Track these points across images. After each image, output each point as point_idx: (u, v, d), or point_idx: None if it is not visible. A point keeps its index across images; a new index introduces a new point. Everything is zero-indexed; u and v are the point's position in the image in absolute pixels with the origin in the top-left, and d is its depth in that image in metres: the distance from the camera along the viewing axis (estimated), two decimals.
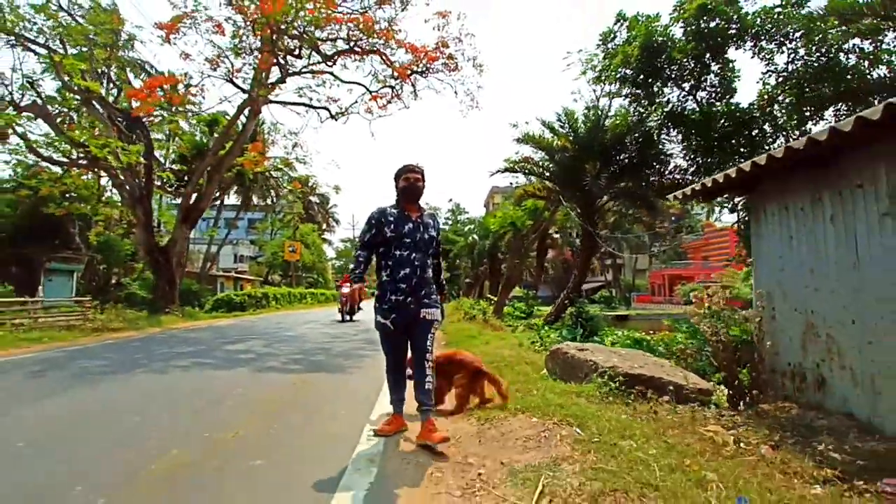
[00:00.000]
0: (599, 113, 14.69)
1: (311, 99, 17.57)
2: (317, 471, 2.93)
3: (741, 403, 4.19)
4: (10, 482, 2.75)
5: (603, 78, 14.63)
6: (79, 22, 15.88)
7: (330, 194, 53.25)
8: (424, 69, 15.45)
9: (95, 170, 19.33)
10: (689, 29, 12.27)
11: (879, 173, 3.11)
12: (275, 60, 15.26)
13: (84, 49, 15.93)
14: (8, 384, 5.59)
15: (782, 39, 12.07)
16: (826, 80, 11.43)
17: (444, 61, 15.41)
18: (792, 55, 12.18)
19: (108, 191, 29.10)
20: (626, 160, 13.71)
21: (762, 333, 4.21)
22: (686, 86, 13.41)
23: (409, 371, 3.73)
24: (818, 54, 11.78)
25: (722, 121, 13.03)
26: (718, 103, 13.32)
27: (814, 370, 3.69)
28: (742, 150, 12.85)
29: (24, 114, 16.43)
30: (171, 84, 16.53)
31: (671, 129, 13.74)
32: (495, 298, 22.69)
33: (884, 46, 11.59)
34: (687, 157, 14.63)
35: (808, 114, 12.68)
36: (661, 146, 13.81)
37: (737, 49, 12.77)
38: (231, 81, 16.03)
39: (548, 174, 15.47)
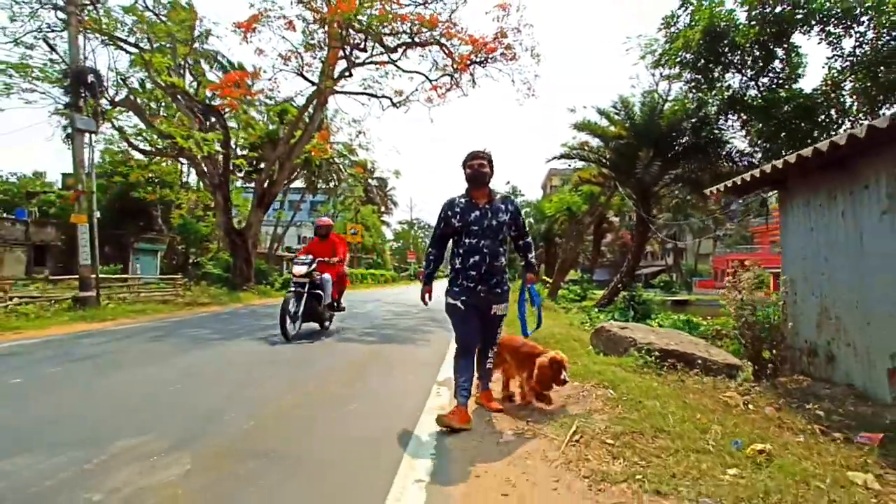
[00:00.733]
0: (656, 99, 14.79)
1: (373, 88, 18.55)
2: (397, 414, 3.75)
3: (764, 377, 4.71)
4: (183, 409, 3.74)
5: (663, 62, 14.69)
6: (163, 21, 17.34)
7: (389, 178, 54.61)
8: (483, 59, 15.98)
9: (180, 158, 21.07)
10: (753, 14, 12.17)
11: (881, 176, 3.57)
12: (342, 54, 16.24)
13: (167, 45, 17.44)
14: (141, 346, 6.80)
15: (850, 23, 11.79)
16: (891, 65, 11.15)
17: (502, 51, 15.89)
18: (860, 39, 11.88)
19: (186, 176, 31.62)
20: (682, 146, 13.81)
21: (785, 315, 4.70)
22: (748, 72, 13.31)
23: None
24: (888, 38, 11.46)
25: (785, 106, 12.89)
26: (782, 89, 13.15)
27: (825, 347, 4.19)
28: (810, 135, 12.66)
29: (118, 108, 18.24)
30: (245, 78, 17.89)
31: (730, 115, 13.70)
32: (550, 281, 23.20)
33: None
34: (752, 143, 14.55)
35: (880, 98, 12.35)
36: (718, 132, 13.81)
37: (803, 34, 12.53)
38: (301, 75, 17.18)
39: (604, 160, 15.75)
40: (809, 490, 2.37)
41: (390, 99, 18.79)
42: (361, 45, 16.70)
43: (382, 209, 59.27)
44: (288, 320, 6.97)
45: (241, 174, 26.42)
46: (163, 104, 20.04)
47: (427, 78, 17.54)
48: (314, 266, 7.41)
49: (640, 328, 6.17)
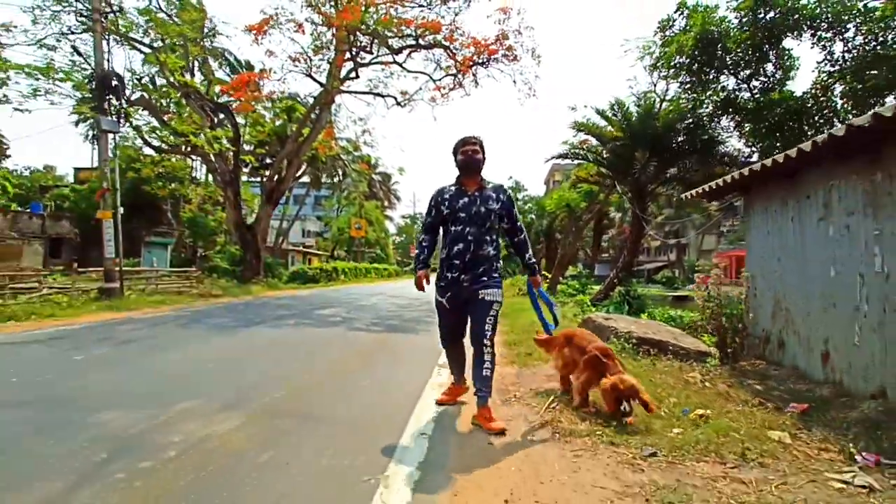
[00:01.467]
0: (652, 100, 15.34)
1: (378, 88, 19.16)
2: (404, 389, 4.39)
3: (727, 361, 5.34)
4: (223, 382, 4.39)
5: (659, 65, 15.25)
6: (175, 22, 17.90)
7: (392, 173, 55.24)
8: (485, 61, 16.56)
9: (193, 156, 21.72)
10: (744, 20, 12.70)
11: (819, 187, 4.18)
12: (348, 56, 16.85)
13: (179, 44, 18.01)
14: (173, 332, 7.47)
15: (839, 29, 12.31)
16: (879, 69, 11.68)
17: (503, 52, 16.46)
18: (849, 44, 12.41)
19: (196, 172, 32.32)
20: (677, 147, 14.36)
21: (747, 307, 5.33)
22: (741, 74, 13.84)
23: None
24: (875, 43, 11.99)
25: (777, 108, 13.41)
26: (774, 91, 13.67)
27: (777, 335, 4.81)
28: (801, 136, 13.17)
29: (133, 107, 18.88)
30: (255, 79, 18.52)
31: (723, 117, 14.25)
32: (550, 276, 23.81)
33: None
34: (747, 143, 15.11)
35: (870, 101, 12.87)
36: (711, 133, 14.35)
37: (795, 38, 13.05)
38: (310, 76, 17.80)
39: (601, 160, 16.31)
40: (730, 441, 3.01)
41: (395, 98, 19.42)
42: (367, 48, 17.29)
43: (385, 204, 59.89)
44: None
45: (247, 169, 27.10)
46: (172, 101, 20.65)
47: (431, 78, 18.15)
48: None
49: (623, 319, 6.81)
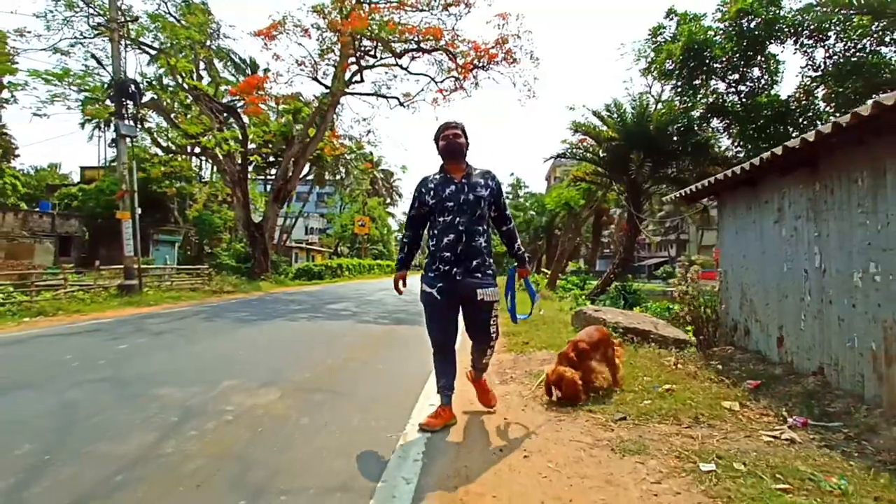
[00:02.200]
0: (646, 104, 15.92)
1: (381, 89, 19.77)
2: (414, 371, 5.01)
3: (702, 348, 5.96)
4: (255, 365, 5.01)
5: (651, 70, 15.86)
6: (184, 26, 18.44)
7: (395, 171, 55.87)
8: (485, 64, 17.15)
9: (202, 156, 22.33)
10: (729, 30, 13.27)
11: (774, 194, 4.79)
12: (352, 60, 17.45)
13: (187, 46, 18.57)
14: (197, 325, 8.10)
15: (821, 36, 12.89)
16: (858, 74, 12.26)
17: (503, 56, 17.05)
18: (830, 50, 12.99)
19: (203, 171, 32.97)
20: (670, 148, 14.93)
21: (721, 299, 5.95)
22: (729, 79, 14.41)
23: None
24: (854, 50, 12.57)
25: (764, 111, 13.99)
26: (760, 95, 14.24)
27: (744, 324, 5.43)
28: (786, 137, 13.77)
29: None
30: (263, 82, 19.14)
31: (712, 119, 14.83)
32: (550, 272, 24.46)
33: None
34: (736, 144, 15.70)
35: (853, 103, 13.45)
36: (701, 135, 14.93)
37: (779, 45, 13.63)
38: (315, 79, 18.42)
39: (597, 159, 16.90)
40: (688, 408, 3.63)
41: (398, 99, 20.01)
42: (371, 52, 17.88)
43: (388, 201, 60.47)
44: None
45: (252, 167, 27.72)
46: (181, 103, 21.22)
47: (433, 80, 18.74)
48: None
49: (612, 311, 7.44)
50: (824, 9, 12.71)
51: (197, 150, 20.48)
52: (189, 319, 8.61)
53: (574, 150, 17.65)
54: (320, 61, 17.83)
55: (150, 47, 18.91)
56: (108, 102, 16.34)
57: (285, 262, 34.66)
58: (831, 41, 12.92)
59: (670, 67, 14.35)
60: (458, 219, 3.13)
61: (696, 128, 15.02)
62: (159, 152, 24.63)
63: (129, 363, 4.99)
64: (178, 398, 3.74)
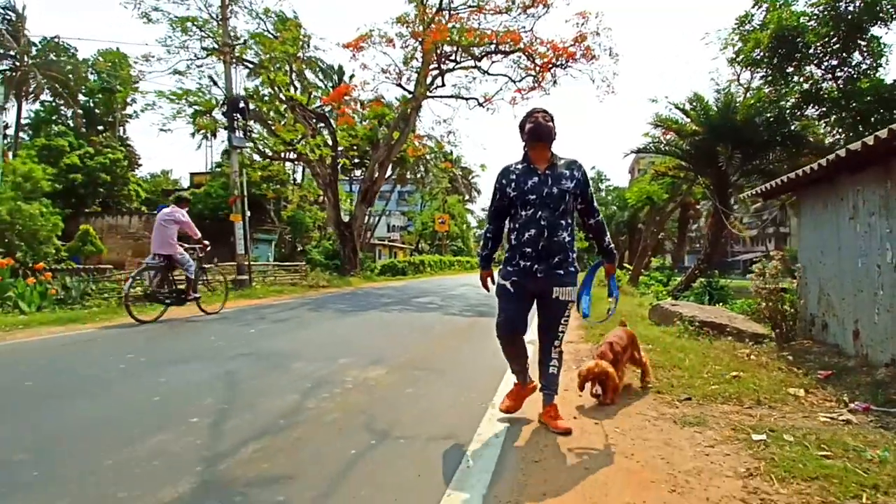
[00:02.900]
0: (731, 96, 15.46)
1: (461, 91, 20.50)
2: (497, 356, 5.57)
3: (781, 342, 6.10)
4: (362, 347, 5.82)
5: (738, 60, 15.39)
6: (279, 40, 19.99)
7: (474, 169, 56.71)
8: (563, 63, 17.36)
9: (298, 161, 24.17)
10: (824, 15, 12.66)
11: (849, 191, 4.90)
12: (434, 65, 18.28)
13: (284, 59, 20.16)
14: (307, 314, 9.17)
15: None
16: None
17: (581, 53, 17.17)
18: None
19: (296, 174, 35.43)
20: (759, 140, 14.43)
21: (799, 294, 6.06)
22: (826, 65, 13.73)
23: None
24: None
25: (866, 97, 13.21)
26: (862, 80, 13.44)
27: (821, 318, 5.54)
28: (891, 123, 12.94)
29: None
30: (352, 91, 20.48)
31: (807, 108, 14.17)
32: (632, 268, 24.12)
33: None
34: (834, 132, 14.91)
35: None
36: (794, 125, 14.30)
37: (883, 26, 12.81)
38: (400, 85, 19.44)
39: (681, 153, 16.61)
40: (752, 392, 3.96)
41: (477, 100, 20.64)
42: (452, 56, 18.63)
43: (466, 197, 61.38)
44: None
45: (338, 166, 29.54)
46: (277, 112, 23.05)
47: (511, 79, 19.18)
48: None
49: (689, 305, 7.64)
50: None
51: (292, 155, 22.17)
52: (298, 310, 9.74)
53: (656, 145, 17.44)
54: (405, 69, 18.83)
55: (250, 62, 20.75)
56: (219, 117, 18.37)
57: (370, 258, 36.56)
58: None
59: (758, 56, 13.89)
60: (540, 213, 2.99)
61: (787, 118, 14.42)
62: (258, 158, 26.91)
63: (261, 343, 5.99)
64: (307, 371, 4.59)
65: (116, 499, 2.18)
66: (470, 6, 17.94)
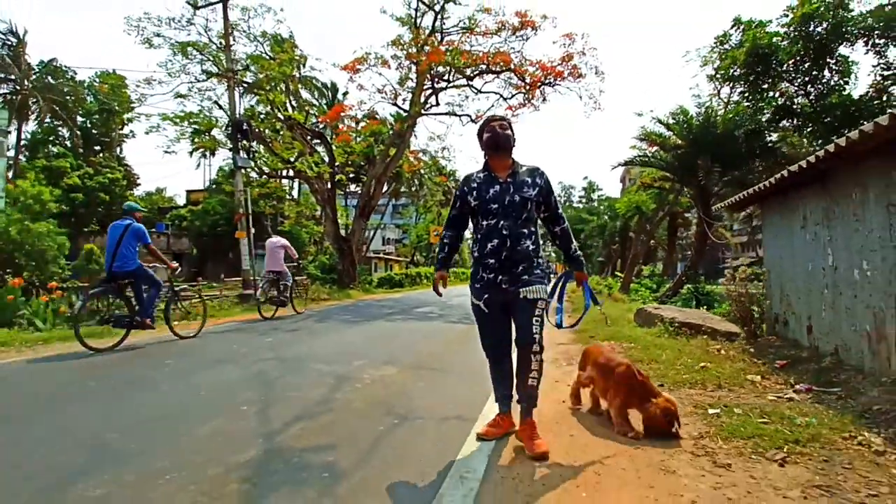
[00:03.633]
0: (711, 110, 16.32)
1: (454, 109, 21.29)
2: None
3: (750, 339, 6.77)
4: (372, 352, 6.42)
5: (717, 76, 16.26)
6: (276, 61, 20.65)
7: None
8: (551, 81, 18.17)
9: (297, 178, 24.81)
10: (794, 35, 13.50)
11: (799, 204, 5.60)
12: (429, 85, 19.06)
13: (280, 80, 20.83)
14: (314, 325, 9.74)
15: (893, 35, 12.85)
16: None
17: (568, 72, 18.00)
18: None
19: (293, 191, 36.08)
20: (737, 152, 15.22)
21: (765, 296, 6.75)
22: (798, 82, 14.56)
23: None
24: None
25: (835, 111, 14.03)
26: (832, 95, 14.26)
27: (783, 316, 6.22)
28: None
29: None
30: (349, 111, 21.23)
31: (781, 121, 14.99)
32: (623, 276, 24.87)
33: None
34: (809, 144, 15.74)
35: None
36: (770, 137, 15.13)
37: (849, 46, 13.65)
38: (395, 104, 20.20)
39: (665, 165, 17.40)
40: (715, 379, 4.60)
41: (470, 117, 21.41)
42: (445, 76, 19.43)
43: None
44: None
45: (336, 182, 30.23)
46: (275, 131, 23.68)
47: (502, 97, 19.98)
48: None
49: (670, 308, 8.32)
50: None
51: (290, 172, 22.81)
52: (307, 321, 10.32)
53: (642, 157, 18.24)
54: (400, 89, 19.58)
55: (247, 83, 21.42)
56: (221, 137, 19.05)
57: (366, 271, 37.18)
58: None
59: (736, 73, 14.72)
60: (502, 222, 2.94)
61: (764, 131, 15.24)
62: (256, 175, 27.53)
63: (282, 349, 6.59)
64: (328, 370, 5.20)
65: (195, 463, 2.78)
66: (462, 28, 18.79)
